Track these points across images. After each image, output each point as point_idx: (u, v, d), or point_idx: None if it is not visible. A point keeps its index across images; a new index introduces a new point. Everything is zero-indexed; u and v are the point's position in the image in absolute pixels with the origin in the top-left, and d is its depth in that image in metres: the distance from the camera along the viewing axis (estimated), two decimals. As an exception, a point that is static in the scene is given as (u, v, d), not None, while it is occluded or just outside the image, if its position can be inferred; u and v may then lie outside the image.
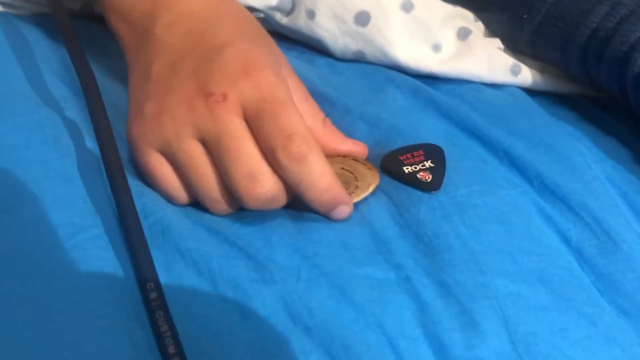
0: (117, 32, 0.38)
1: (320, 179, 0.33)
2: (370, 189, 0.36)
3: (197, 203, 0.35)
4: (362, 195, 0.35)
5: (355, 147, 0.39)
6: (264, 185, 0.32)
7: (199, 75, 0.34)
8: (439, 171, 0.38)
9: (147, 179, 0.35)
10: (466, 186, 0.38)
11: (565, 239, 0.36)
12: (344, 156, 0.38)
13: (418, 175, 0.37)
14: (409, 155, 0.39)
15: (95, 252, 0.31)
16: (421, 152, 0.39)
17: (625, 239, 0.36)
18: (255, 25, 0.38)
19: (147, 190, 0.35)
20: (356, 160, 0.38)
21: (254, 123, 0.33)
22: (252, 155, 0.32)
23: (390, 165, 0.38)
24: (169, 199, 0.35)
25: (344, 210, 0.34)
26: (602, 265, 0.35)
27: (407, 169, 0.38)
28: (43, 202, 0.32)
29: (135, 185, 0.34)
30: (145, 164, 0.34)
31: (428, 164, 0.38)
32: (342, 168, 0.37)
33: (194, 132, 0.33)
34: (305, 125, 0.33)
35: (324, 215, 0.34)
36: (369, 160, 0.39)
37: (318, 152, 0.33)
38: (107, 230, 0.32)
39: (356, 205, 0.35)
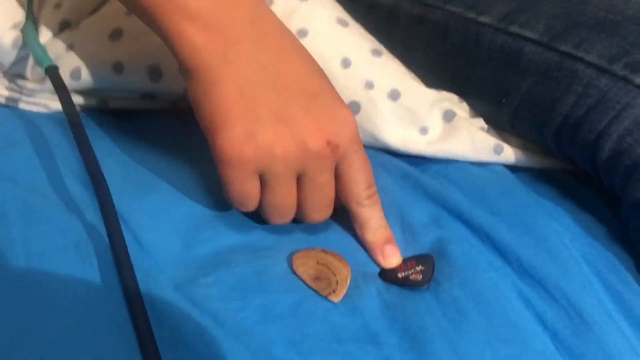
0: (182, 32, 0.38)
1: (382, 218, 0.43)
2: (349, 281, 0.40)
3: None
4: (345, 289, 0.39)
5: None
6: (328, 214, 0.43)
7: (314, 119, 0.39)
8: (428, 271, 0.41)
9: (232, 193, 0.40)
10: (449, 279, 0.41)
11: (542, 321, 0.40)
12: (313, 248, 0.42)
13: (410, 277, 0.41)
14: (402, 266, 0.42)
15: (114, 355, 0.35)
16: (413, 262, 0.42)
17: (596, 320, 0.39)
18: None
19: (156, 284, 0.39)
20: (325, 251, 0.42)
21: (348, 170, 0.41)
22: (332, 194, 0.42)
23: (385, 275, 0.42)
24: (243, 209, 0.41)
25: (393, 250, 0.42)
26: (575, 345, 0.38)
27: (401, 274, 0.42)
28: (67, 310, 0.36)
29: (144, 282, 0.38)
30: (242, 185, 0.39)
31: (419, 268, 0.42)
32: (318, 262, 0.41)
33: (300, 168, 0.40)
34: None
35: (374, 258, 0.43)
36: (366, 261, 0.43)
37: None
38: (122, 332, 0.36)
39: (347, 297, 0.39)
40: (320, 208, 0.42)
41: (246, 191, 0.40)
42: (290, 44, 0.41)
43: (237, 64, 0.38)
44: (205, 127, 0.39)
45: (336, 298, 0.39)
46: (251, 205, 0.41)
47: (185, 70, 0.39)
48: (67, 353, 0.34)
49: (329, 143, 0.39)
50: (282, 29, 0.41)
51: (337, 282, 0.39)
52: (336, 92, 0.42)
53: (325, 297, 0.39)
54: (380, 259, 0.42)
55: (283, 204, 0.41)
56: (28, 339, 0.35)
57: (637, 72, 0.43)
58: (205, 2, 0.38)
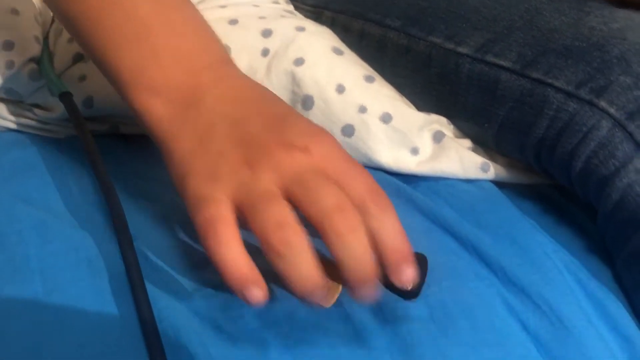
0: (149, 108, 0.40)
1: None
2: (340, 287, 0.41)
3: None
4: (337, 295, 0.41)
5: None
6: (351, 215, 0.35)
7: (275, 131, 0.37)
8: (420, 281, 0.43)
9: (200, 233, 0.36)
10: (437, 284, 0.43)
11: (525, 327, 0.42)
12: None
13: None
14: None
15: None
16: None
17: (576, 325, 0.42)
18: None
19: (160, 295, 0.41)
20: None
21: (333, 170, 0.36)
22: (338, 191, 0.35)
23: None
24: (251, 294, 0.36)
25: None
26: (556, 350, 0.41)
27: None
28: (78, 323, 0.39)
29: (152, 291, 0.41)
30: (213, 216, 0.36)
31: None
32: None
33: (282, 185, 0.35)
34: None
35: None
36: None
37: None
38: (134, 345, 0.38)
39: (340, 304, 0.41)
40: (335, 207, 0.35)
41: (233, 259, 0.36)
42: (251, 92, 0.41)
43: (194, 120, 0.39)
44: (177, 190, 0.39)
45: (327, 304, 0.41)
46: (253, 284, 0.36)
47: (155, 141, 0.41)
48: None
49: (293, 145, 0.36)
50: (246, 82, 0.42)
51: (328, 289, 0.42)
52: (302, 116, 0.40)
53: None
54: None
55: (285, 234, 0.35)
56: (43, 353, 0.37)
57: (601, 96, 0.46)
58: (171, 74, 0.40)
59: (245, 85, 0.42)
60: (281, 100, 0.43)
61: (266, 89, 0.42)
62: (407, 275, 0.36)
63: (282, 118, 0.39)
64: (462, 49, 0.53)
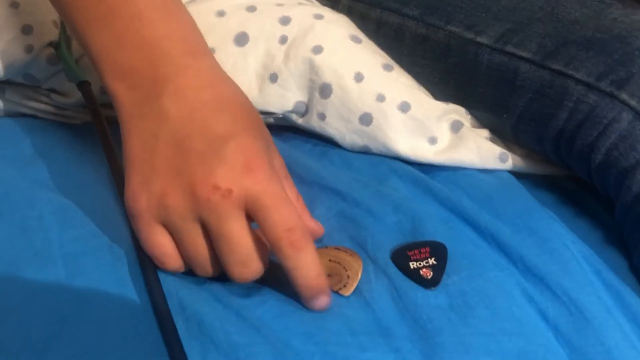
0: (114, 92, 0.41)
1: (312, 266, 0.39)
2: (359, 275, 0.42)
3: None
4: (355, 284, 0.42)
5: (315, 226, 0.45)
6: (252, 271, 0.39)
7: (205, 165, 0.38)
8: (439, 269, 0.43)
9: (145, 247, 0.40)
10: (457, 273, 0.44)
11: (544, 316, 0.42)
12: (326, 247, 0.44)
13: (421, 272, 0.43)
14: (416, 252, 0.44)
15: (144, 348, 0.38)
16: (427, 249, 0.44)
17: (595, 316, 0.42)
18: (248, 110, 0.42)
19: (182, 283, 0.41)
20: (337, 248, 0.44)
21: (257, 215, 0.38)
22: (247, 246, 0.38)
23: (398, 259, 0.44)
24: (165, 266, 0.40)
25: (324, 300, 0.40)
26: (575, 339, 0.41)
27: (413, 264, 0.44)
28: (100, 307, 0.39)
29: (171, 280, 0.41)
30: (147, 235, 0.40)
31: (432, 261, 0.44)
32: (330, 260, 0.43)
33: (197, 216, 0.38)
34: (300, 218, 0.39)
35: (305, 304, 0.40)
36: (376, 250, 0.45)
37: (312, 243, 0.39)
38: (154, 331, 0.38)
39: (359, 292, 0.42)
40: (237, 262, 0.38)
41: (155, 242, 0.40)
42: (208, 93, 0.41)
43: (147, 119, 0.40)
44: None
45: (346, 292, 0.41)
46: (167, 258, 0.40)
47: (120, 124, 0.42)
48: (101, 350, 0.37)
49: (216, 188, 0.37)
50: (208, 79, 0.42)
51: (348, 277, 0.42)
52: (250, 135, 0.40)
53: (337, 293, 0.42)
54: (308, 306, 0.40)
55: (195, 256, 0.40)
56: (64, 336, 0.37)
57: (622, 88, 0.45)
58: (133, 60, 0.41)
59: (204, 82, 0.41)
60: (237, 101, 0.42)
61: (227, 86, 0.42)
62: (320, 304, 0.40)
63: (223, 142, 0.39)
64: (482, 39, 0.53)
